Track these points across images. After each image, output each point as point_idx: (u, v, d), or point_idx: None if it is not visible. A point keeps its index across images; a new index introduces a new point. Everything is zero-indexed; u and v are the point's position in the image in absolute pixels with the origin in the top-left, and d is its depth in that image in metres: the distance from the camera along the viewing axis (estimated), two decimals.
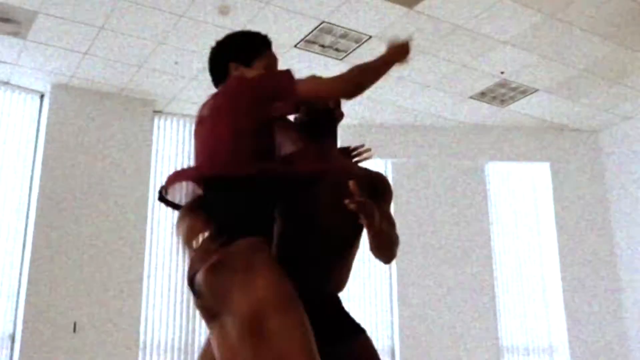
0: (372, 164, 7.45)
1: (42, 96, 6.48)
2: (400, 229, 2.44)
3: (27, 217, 6.19)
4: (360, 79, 2.22)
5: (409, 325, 7.02)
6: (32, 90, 6.43)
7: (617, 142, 7.50)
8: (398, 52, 2.35)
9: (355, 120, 7.25)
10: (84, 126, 6.42)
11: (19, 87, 6.38)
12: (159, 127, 6.87)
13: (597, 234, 7.46)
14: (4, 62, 5.97)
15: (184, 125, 6.98)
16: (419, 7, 5.17)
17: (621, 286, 7.28)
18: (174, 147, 6.88)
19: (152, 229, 6.58)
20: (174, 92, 6.54)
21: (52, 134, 6.28)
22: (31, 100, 6.46)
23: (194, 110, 6.79)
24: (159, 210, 6.60)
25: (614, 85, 6.56)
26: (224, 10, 5.17)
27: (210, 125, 2.13)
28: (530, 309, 7.42)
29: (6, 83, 6.31)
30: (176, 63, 5.97)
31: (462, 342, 7.06)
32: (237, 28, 5.33)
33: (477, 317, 7.19)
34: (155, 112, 6.81)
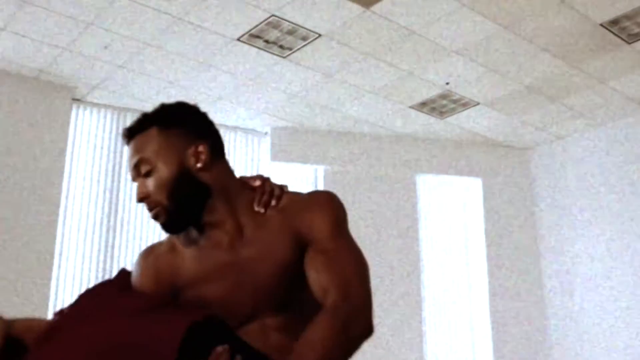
0: (303, 170, 7.16)
1: None
2: None
3: None
4: None
5: None
6: None
7: (548, 161, 7.51)
8: None
9: (289, 123, 6.92)
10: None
11: None
12: (77, 117, 6.29)
13: (524, 249, 7.46)
14: None
15: (105, 117, 6.44)
16: (376, 7, 4.91)
17: (546, 296, 7.31)
18: (92, 138, 6.32)
19: (64, 222, 6.03)
20: (97, 80, 6.00)
21: None
22: None
23: (116, 100, 6.31)
24: (72, 204, 6.08)
25: (553, 103, 6.52)
26: None
27: None
28: (457, 323, 7.32)
29: None
30: (105, 47, 5.45)
31: (389, 354, 6.85)
32: (178, 13, 4.91)
33: (403, 331, 7.01)
34: (75, 100, 6.24)
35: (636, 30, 5.27)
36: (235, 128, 6.95)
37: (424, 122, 6.93)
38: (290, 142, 7.02)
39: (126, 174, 6.36)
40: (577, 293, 7.06)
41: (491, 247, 7.37)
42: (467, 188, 7.60)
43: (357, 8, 4.91)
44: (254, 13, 4.98)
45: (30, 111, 5.97)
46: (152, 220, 1.85)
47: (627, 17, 5.09)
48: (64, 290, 5.94)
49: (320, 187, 7.04)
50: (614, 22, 5.17)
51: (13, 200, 5.74)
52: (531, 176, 7.65)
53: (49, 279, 5.82)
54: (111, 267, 6.19)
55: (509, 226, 7.48)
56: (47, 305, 5.73)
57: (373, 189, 7.21)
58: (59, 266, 5.96)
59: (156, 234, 6.22)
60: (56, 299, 5.90)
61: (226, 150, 1.98)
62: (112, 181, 6.34)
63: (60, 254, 5.99)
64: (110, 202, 6.31)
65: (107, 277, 6.23)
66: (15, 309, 2.38)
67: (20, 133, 5.87)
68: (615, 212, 6.83)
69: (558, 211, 7.33)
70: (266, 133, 7.06)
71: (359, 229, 6.78)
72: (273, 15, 5.02)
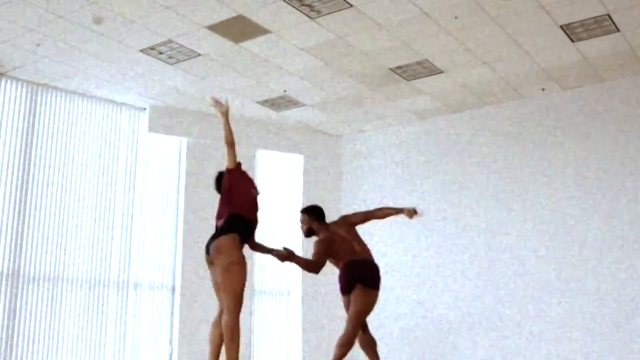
0: (171, 140, 9.22)
1: None
2: None
3: None
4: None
5: (193, 269, 9.08)
6: None
7: (353, 146, 10.27)
8: None
9: (163, 103, 9.05)
10: None
11: None
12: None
13: (330, 210, 10.11)
14: None
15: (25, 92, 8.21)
16: (244, 43, 7.23)
17: None
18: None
19: None
20: (24, 61, 7.79)
21: None
22: None
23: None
24: None
25: (357, 109, 9.23)
26: None
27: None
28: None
29: None
30: (37, 46, 7.30)
31: None
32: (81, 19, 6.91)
33: None
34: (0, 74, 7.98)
35: (411, 73, 7.99)
36: (121, 104, 8.98)
37: (264, 112, 9.36)
38: (163, 117, 9.15)
39: (37, 144, 8.25)
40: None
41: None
42: (293, 163, 10.17)
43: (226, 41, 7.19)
44: (150, 34, 7.08)
45: None
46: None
47: (406, 65, 7.80)
48: None
49: (183, 155, 9.30)
50: (399, 67, 7.85)
51: None
52: (340, 156, 10.37)
53: None
54: (24, 223, 8.05)
55: (321, 191, 10.14)
56: None
57: (223, 159, 9.52)
58: None
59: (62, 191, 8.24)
60: None
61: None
62: (27, 145, 8.16)
63: None
64: (25, 166, 8.14)
65: (18, 231, 8.10)
66: None
67: None
68: (398, 187, 9.69)
69: (358, 182, 10.11)
70: (144, 109, 9.14)
71: (212, 187, 9.05)
72: (170, 41, 7.17)
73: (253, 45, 7.32)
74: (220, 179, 5.72)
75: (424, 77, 8.11)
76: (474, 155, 9.12)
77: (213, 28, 6.93)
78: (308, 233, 6.66)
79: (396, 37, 7.11)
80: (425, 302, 9.18)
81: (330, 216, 10.11)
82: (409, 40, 7.19)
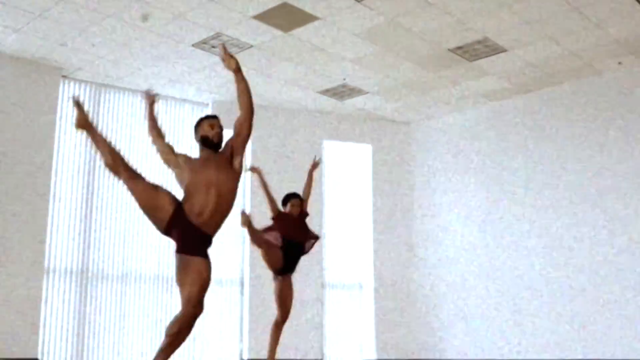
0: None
1: None
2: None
3: None
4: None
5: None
6: None
7: (422, 133, 9.92)
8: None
9: (226, 98, 9.01)
10: (1, 86, 7.66)
11: None
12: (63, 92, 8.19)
13: (401, 200, 9.86)
14: None
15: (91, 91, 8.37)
16: (294, 32, 7.05)
17: (415, 241, 9.77)
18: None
19: (55, 183, 7.99)
20: (83, 62, 7.92)
21: None
22: None
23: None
24: (62, 171, 8.04)
25: (420, 95, 8.89)
26: None
27: None
28: (348, 258, 9.73)
29: None
30: (93, 45, 7.39)
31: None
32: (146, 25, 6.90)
33: (305, 260, 9.35)
34: (64, 77, 8.14)
35: (473, 53, 7.59)
36: (183, 100, 9.00)
37: (327, 103, 9.15)
38: (227, 111, 9.09)
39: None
40: (440, 236, 9.50)
41: (376, 196, 9.76)
42: (360, 152, 9.92)
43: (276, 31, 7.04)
44: (198, 28, 7.01)
45: (26, 87, 7.84)
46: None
47: (467, 45, 7.41)
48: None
49: (248, 151, 9.20)
50: (459, 47, 7.47)
51: (10, 155, 7.64)
52: (410, 143, 10.04)
53: (44, 235, 7.73)
54: (91, 215, 8.23)
55: (390, 181, 9.85)
56: None
57: (291, 152, 9.40)
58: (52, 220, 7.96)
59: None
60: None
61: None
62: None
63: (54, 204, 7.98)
64: (91, 166, 8.28)
65: (86, 229, 8.28)
66: None
67: (14, 103, 7.72)
68: (470, 173, 9.29)
69: (431, 169, 9.76)
70: (207, 104, 9.13)
71: (278, 180, 9.06)
72: (219, 34, 7.08)
73: (303, 33, 7.13)
74: None
75: (486, 56, 7.68)
76: (548, 136, 8.59)
77: (259, 17, 6.78)
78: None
79: (451, 15, 6.75)
80: (500, 287, 8.75)
81: (403, 206, 9.88)
82: (465, 18, 6.81)
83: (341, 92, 8.80)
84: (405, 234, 9.79)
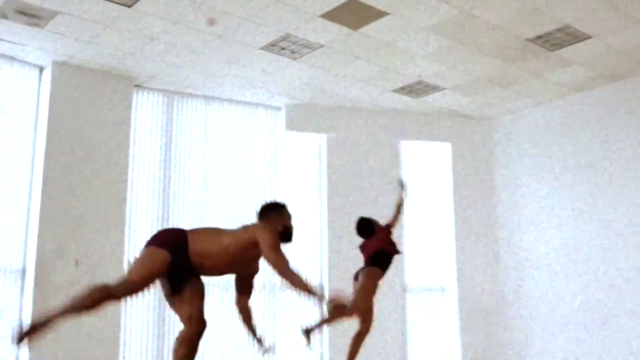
0: (309, 137, 9.03)
1: (41, 69, 7.77)
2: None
3: (32, 170, 7.60)
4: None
5: (339, 266, 8.85)
6: (35, 65, 7.71)
7: (504, 129, 9.50)
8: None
9: (298, 101, 8.88)
10: (76, 97, 7.79)
11: (25, 62, 7.64)
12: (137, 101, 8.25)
13: (483, 199, 9.48)
14: (14, 42, 7.20)
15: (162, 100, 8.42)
16: (363, 29, 6.84)
17: (499, 242, 9.36)
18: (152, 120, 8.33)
19: (131, 192, 8.07)
20: (155, 70, 7.95)
21: (53, 103, 7.64)
22: (36, 74, 7.75)
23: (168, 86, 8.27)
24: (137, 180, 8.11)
25: (499, 89, 8.49)
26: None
27: None
28: (429, 259, 9.43)
29: (12, 58, 7.56)
30: (164, 52, 7.39)
31: None
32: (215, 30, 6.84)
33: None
34: (137, 86, 8.20)
35: (554, 42, 7.17)
36: (256, 104, 8.93)
37: (403, 101, 8.88)
38: (300, 115, 8.99)
39: (176, 148, 8.43)
40: (526, 237, 9.06)
41: (457, 196, 9.41)
42: (439, 151, 9.59)
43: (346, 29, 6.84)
44: (266, 30, 6.88)
45: (101, 96, 7.94)
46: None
47: (546, 34, 7.00)
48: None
49: (323, 152, 9.06)
50: (538, 37, 7.07)
51: (87, 169, 7.74)
52: (491, 140, 9.63)
53: (122, 244, 7.85)
54: (167, 223, 8.23)
55: (472, 180, 9.48)
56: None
57: (367, 152, 9.19)
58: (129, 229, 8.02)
59: (201, 195, 8.35)
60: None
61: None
62: (166, 153, 8.34)
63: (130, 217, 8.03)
64: (165, 171, 8.33)
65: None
66: None
67: (93, 112, 7.83)
68: (557, 171, 8.82)
69: (513, 166, 9.34)
70: (280, 108, 9.03)
71: (355, 182, 8.92)
72: (288, 35, 6.94)
73: (373, 29, 6.89)
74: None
75: (568, 45, 7.24)
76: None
77: (327, 16, 6.59)
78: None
79: (527, 3, 6.37)
80: (591, 293, 8.25)
81: (485, 206, 9.48)
82: (543, 5, 6.42)
83: (416, 89, 8.51)
84: (489, 235, 9.39)
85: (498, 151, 9.58)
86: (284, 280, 4.15)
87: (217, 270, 4.43)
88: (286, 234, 4.47)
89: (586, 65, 7.78)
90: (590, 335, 8.12)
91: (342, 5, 6.37)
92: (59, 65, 7.66)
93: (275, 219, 4.51)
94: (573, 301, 8.37)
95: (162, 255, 4.24)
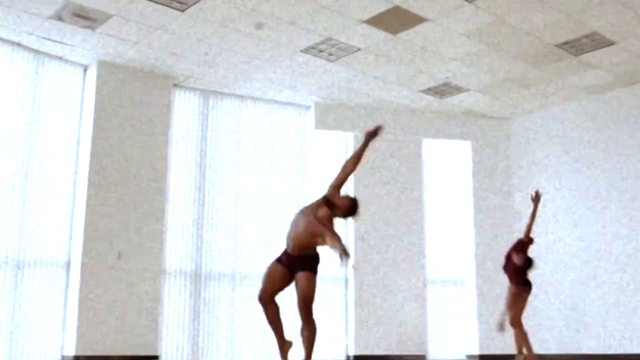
0: (338, 135, 9.29)
1: (85, 69, 8.07)
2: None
3: (77, 166, 7.91)
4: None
5: (363, 260, 9.21)
6: (80, 64, 8.01)
7: (522, 128, 9.91)
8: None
9: (327, 100, 9.23)
10: (119, 95, 8.09)
11: (70, 61, 7.94)
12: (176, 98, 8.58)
13: (501, 196, 9.88)
14: (63, 43, 7.50)
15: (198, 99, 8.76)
16: (402, 34, 7.21)
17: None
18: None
19: (169, 188, 8.39)
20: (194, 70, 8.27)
21: (98, 101, 7.96)
22: (80, 73, 8.06)
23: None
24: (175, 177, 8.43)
25: (521, 90, 8.90)
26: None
27: None
28: (449, 253, 9.83)
29: (59, 58, 7.85)
30: (206, 54, 7.72)
31: (395, 276, 9.39)
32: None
33: (407, 257, 9.51)
34: (175, 85, 8.51)
35: (579, 47, 7.59)
36: (287, 104, 9.27)
37: (427, 101, 9.27)
38: (328, 113, 9.34)
39: (211, 145, 8.76)
40: (542, 233, 9.40)
41: (477, 193, 9.82)
42: (460, 149, 10.00)
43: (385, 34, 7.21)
44: (309, 34, 7.24)
45: (141, 95, 8.25)
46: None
47: (574, 40, 7.42)
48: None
49: (350, 150, 9.41)
50: (566, 43, 7.49)
51: (129, 164, 8.05)
52: (509, 140, 10.04)
53: (162, 238, 8.17)
54: (202, 218, 8.56)
55: (491, 178, 9.89)
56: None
57: (393, 149, 9.55)
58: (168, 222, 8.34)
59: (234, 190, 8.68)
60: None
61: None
62: (201, 150, 8.67)
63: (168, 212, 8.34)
64: (201, 170, 8.65)
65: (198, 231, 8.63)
66: None
67: (134, 110, 8.14)
68: (573, 169, 9.24)
69: (529, 165, 9.75)
70: (309, 107, 9.37)
71: (381, 177, 9.25)
72: (329, 39, 7.30)
73: (411, 34, 7.27)
74: None
75: (592, 50, 7.66)
76: None
77: (371, 22, 6.96)
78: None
79: (560, 11, 6.77)
80: (607, 289, 8.69)
81: (504, 202, 9.89)
82: (573, 12, 6.82)
83: (442, 90, 8.90)
84: (507, 230, 9.77)
85: (516, 149, 9.99)
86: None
87: None
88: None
89: (606, 69, 8.21)
90: (605, 327, 8.55)
91: (387, 12, 6.74)
92: (103, 65, 7.96)
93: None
94: (588, 295, 8.80)
95: None
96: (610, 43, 7.48)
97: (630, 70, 8.26)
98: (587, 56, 7.83)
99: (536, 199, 7.47)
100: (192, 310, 8.35)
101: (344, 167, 5.16)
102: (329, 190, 5.07)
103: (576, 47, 7.58)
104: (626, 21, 6.99)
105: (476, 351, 9.45)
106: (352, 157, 5.21)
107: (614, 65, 8.11)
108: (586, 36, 7.32)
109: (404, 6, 6.64)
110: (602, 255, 8.78)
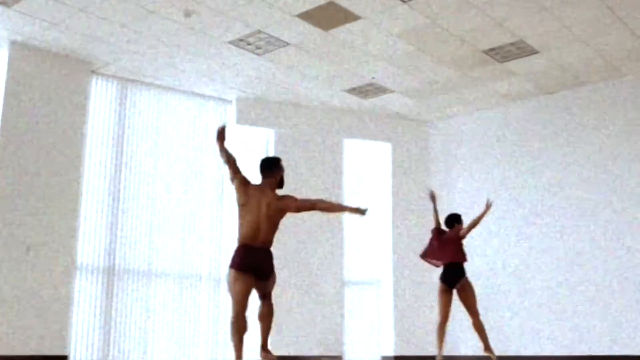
0: (258, 132, 9.19)
1: None
2: None
3: None
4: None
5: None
6: None
7: (439, 131, 10.04)
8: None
9: (252, 96, 9.04)
10: (32, 79, 7.63)
11: None
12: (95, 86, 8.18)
13: (419, 197, 9.95)
14: None
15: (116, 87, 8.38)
16: (334, 30, 7.11)
17: None
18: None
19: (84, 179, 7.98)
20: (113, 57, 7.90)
21: (9, 83, 7.47)
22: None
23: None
24: (90, 167, 8.03)
25: (444, 94, 9.00)
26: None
27: None
28: (367, 254, 9.82)
29: None
30: (128, 41, 7.38)
31: (313, 277, 9.29)
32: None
33: (326, 258, 9.44)
34: (92, 72, 8.11)
35: (504, 55, 7.73)
36: (209, 97, 9.01)
37: (351, 101, 9.23)
38: (250, 108, 9.15)
39: (130, 136, 8.41)
40: None
41: (395, 192, 9.86)
42: (380, 150, 10.01)
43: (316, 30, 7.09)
44: (239, 26, 7.05)
45: (57, 81, 7.81)
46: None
47: (500, 47, 7.54)
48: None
49: (271, 146, 9.26)
50: (492, 49, 7.60)
51: (41, 152, 7.61)
52: (428, 142, 10.15)
53: (75, 232, 7.77)
54: (117, 211, 8.22)
55: (409, 179, 9.95)
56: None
57: (312, 149, 9.47)
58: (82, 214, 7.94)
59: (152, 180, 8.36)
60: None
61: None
62: (119, 140, 8.31)
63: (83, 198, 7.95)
64: (117, 161, 8.30)
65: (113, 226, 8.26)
66: None
67: (48, 94, 7.70)
68: (487, 173, 9.43)
69: (449, 165, 9.88)
70: (231, 101, 9.15)
71: (300, 175, 9.16)
72: (259, 31, 7.12)
73: (343, 31, 7.19)
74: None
75: (517, 58, 7.82)
76: (567, 137, 8.77)
77: (303, 16, 6.83)
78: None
79: (491, 17, 6.86)
80: (519, 288, 8.91)
81: (421, 204, 9.96)
82: (504, 19, 6.93)
83: (367, 90, 8.87)
84: (424, 232, 9.86)
85: (435, 152, 10.10)
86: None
87: None
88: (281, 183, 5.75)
89: (527, 78, 8.41)
90: (522, 324, 8.77)
91: (321, 7, 6.63)
92: (16, 45, 7.48)
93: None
94: (508, 289, 9.00)
95: None
96: (535, 52, 7.65)
97: (550, 80, 8.49)
98: (511, 64, 7.99)
99: (487, 207, 7.44)
100: (104, 307, 7.97)
101: (313, 203, 5.72)
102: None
103: (501, 54, 7.71)
104: (552, 31, 7.16)
105: (391, 352, 9.48)
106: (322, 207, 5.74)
107: (535, 74, 8.31)
108: (512, 44, 7.46)
109: (339, 2, 6.55)
110: (516, 255, 9.00)
